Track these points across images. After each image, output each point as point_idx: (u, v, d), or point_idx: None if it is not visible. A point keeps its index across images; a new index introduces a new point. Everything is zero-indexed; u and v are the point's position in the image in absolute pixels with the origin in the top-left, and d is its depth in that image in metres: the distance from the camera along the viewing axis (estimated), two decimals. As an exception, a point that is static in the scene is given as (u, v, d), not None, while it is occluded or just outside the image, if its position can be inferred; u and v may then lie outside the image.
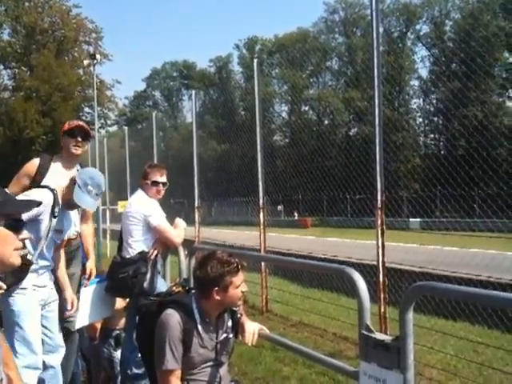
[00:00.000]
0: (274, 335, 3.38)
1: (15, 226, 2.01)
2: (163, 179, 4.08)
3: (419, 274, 8.36)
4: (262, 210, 6.92)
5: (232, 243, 12.86)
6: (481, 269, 8.02)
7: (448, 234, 11.74)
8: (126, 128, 16.83)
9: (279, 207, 24.22)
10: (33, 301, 3.06)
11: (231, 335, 2.69)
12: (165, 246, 4.08)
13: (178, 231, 4.07)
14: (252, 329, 2.75)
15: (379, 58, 4.79)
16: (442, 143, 32.28)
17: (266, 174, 7.25)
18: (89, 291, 3.77)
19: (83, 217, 3.86)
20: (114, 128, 47.98)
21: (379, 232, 4.70)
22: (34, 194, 3.01)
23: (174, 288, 2.80)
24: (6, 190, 3.51)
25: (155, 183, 4.03)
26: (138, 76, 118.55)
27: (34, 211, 2.88)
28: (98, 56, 28.55)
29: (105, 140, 18.28)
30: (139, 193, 4.08)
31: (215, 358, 2.58)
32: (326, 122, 38.25)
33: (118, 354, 3.99)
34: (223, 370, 2.64)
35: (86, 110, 37.74)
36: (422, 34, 44.32)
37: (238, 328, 2.75)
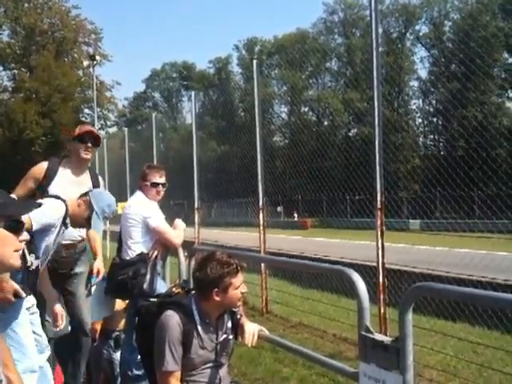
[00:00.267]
0: (273, 336, 3.39)
1: (15, 227, 2.01)
2: (162, 180, 4.07)
3: (419, 275, 8.36)
4: (261, 211, 6.91)
5: (232, 244, 12.86)
6: (480, 269, 8.03)
7: (448, 235, 11.74)
8: (126, 129, 16.84)
9: (279, 208, 24.24)
10: (23, 305, 3.06)
11: (231, 336, 2.69)
12: (164, 248, 4.08)
13: (177, 232, 4.07)
14: (252, 330, 2.75)
15: (378, 59, 4.79)
16: (441, 144, 32.29)
17: (266, 175, 7.24)
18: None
19: None
20: (114, 129, 47.95)
21: (379, 233, 4.70)
22: (48, 205, 3.01)
23: (174, 289, 2.80)
24: (13, 194, 3.54)
25: (154, 184, 4.02)
26: (138, 77, 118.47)
27: (48, 221, 2.90)
28: (97, 57, 28.55)
29: (104, 141, 18.26)
30: (138, 194, 4.07)
31: (215, 360, 2.58)
32: (326, 122, 38.23)
33: (117, 355, 4.00)
34: (223, 372, 2.64)
35: (86, 111, 37.83)
36: (421, 34, 44.32)
37: (237, 329, 2.75)
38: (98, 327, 4.08)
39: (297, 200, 22.25)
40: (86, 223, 3.25)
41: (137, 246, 3.92)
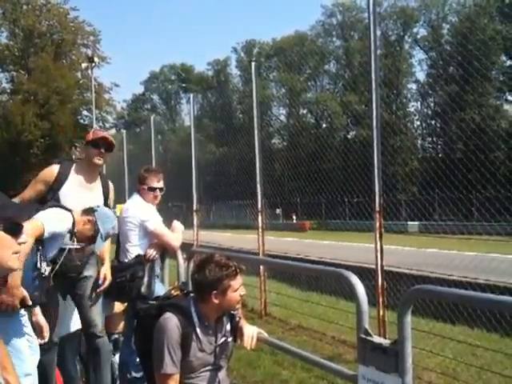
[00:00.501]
0: (272, 339, 3.38)
1: (14, 229, 2.01)
2: (160, 185, 4.07)
3: (418, 278, 8.36)
4: (260, 214, 6.91)
5: (230, 246, 12.85)
6: (479, 272, 8.03)
7: (446, 237, 11.75)
8: (124, 131, 16.78)
9: (278, 210, 24.21)
10: (20, 311, 3.05)
11: (230, 339, 2.68)
12: (163, 250, 4.07)
13: (176, 235, 4.07)
14: (251, 332, 2.74)
15: (377, 62, 4.79)
16: (439, 146, 32.30)
17: (265, 177, 7.24)
18: None
19: None
20: (113, 131, 47.90)
21: (377, 235, 4.70)
22: (58, 214, 3.02)
23: (173, 291, 2.79)
24: (22, 196, 3.53)
25: (152, 189, 4.02)
26: (137, 79, 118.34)
27: (58, 230, 2.92)
28: (96, 59, 28.53)
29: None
30: (136, 197, 4.07)
31: (214, 362, 2.58)
32: (324, 125, 38.20)
33: (116, 357, 3.99)
34: (222, 374, 2.63)
35: (84, 113, 37.84)
36: (419, 37, 44.45)
37: (236, 332, 2.74)
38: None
39: (295, 202, 22.22)
40: (89, 241, 3.27)
41: (135, 248, 3.92)
